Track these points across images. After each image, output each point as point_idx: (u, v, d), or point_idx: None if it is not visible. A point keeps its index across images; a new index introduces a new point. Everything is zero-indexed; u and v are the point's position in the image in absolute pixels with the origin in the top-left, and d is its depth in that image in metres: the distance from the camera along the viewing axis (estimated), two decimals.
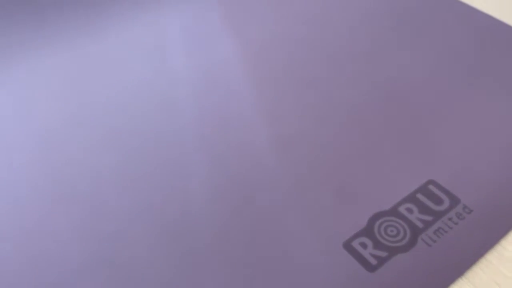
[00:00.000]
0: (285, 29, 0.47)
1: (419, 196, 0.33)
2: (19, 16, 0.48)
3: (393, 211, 0.32)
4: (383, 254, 0.30)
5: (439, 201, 0.32)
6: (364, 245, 0.30)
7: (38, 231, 0.31)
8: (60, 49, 0.46)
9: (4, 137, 0.38)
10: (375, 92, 0.40)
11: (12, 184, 0.34)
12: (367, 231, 0.31)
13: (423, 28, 0.47)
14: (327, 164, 0.35)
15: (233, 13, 0.50)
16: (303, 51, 0.45)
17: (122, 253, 0.30)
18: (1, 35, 0.47)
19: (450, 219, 0.31)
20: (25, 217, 0.32)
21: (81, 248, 0.30)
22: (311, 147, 0.36)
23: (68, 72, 0.44)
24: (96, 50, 0.46)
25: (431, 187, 0.33)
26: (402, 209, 0.32)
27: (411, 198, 0.33)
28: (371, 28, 0.47)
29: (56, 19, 0.49)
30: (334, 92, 0.40)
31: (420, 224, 0.31)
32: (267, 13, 0.50)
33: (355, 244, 0.30)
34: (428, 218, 0.31)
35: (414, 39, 0.45)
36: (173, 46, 0.46)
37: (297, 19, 0.48)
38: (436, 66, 0.43)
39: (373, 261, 0.29)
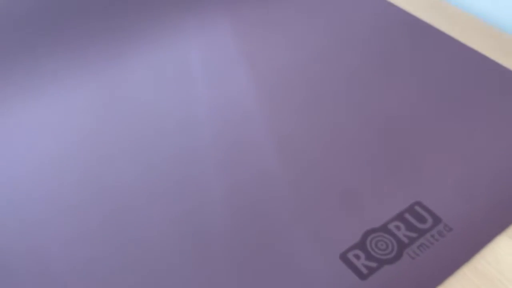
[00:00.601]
0: (294, 59, 0.53)
1: (406, 215, 0.38)
2: (50, 44, 0.54)
3: (383, 228, 0.37)
4: (373, 265, 0.35)
5: (423, 220, 0.37)
6: (357, 257, 0.35)
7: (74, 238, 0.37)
8: (86, 71, 0.52)
9: (37, 151, 0.43)
10: (369, 122, 0.46)
11: (40, 195, 0.40)
12: (361, 244, 0.36)
13: (412, 62, 0.52)
14: (329, 187, 0.40)
15: (247, 42, 0.55)
16: (307, 81, 0.50)
17: (144, 258, 0.35)
18: (34, 63, 0.52)
19: (432, 236, 0.36)
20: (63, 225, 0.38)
21: (109, 253, 0.36)
22: (316, 169, 0.41)
23: (94, 93, 0.49)
24: (119, 74, 0.51)
25: (417, 207, 0.38)
26: (391, 226, 0.37)
27: (399, 217, 0.38)
28: (368, 63, 0.52)
29: (83, 43, 0.55)
30: (333, 121, 0.46)
31: (406, 240, 0.36)
32: (279, 43, 0.55)
33: (350, 255, 0.35)
34: (413, 234, 0.36)
35: (404, 73, 0.51)
36: (191, 72, 0.51)
37: (304, 51, 0.54)
38: (423, 98, 0.48)
39: (365, 271, 0.34)
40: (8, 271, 0.35)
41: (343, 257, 0.35)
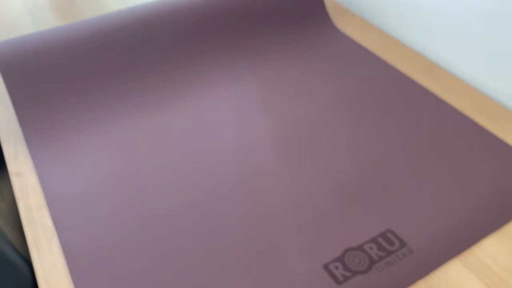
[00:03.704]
0: (305, 110, 0.65)
1: (379, 239, 0.48)
2: (107, 86, 0.68)
3: (360, 247, 0.48)
4: (348, 274, 0.45)
5: (392, 244, 0.48)
6: (336, 267, 0.46)
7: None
8: (137, 111, 0.65)
9: (102, 179, 0.56)
10: (360, 165, 0.57)
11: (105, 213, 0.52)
12: (340, 258, 0.47)
13: (400, 116, 0.63)
14: (321, 214, 0.51)
15: (268, 95, 0.68)
16: (314, 128, 0.62)
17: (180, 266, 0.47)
18: (96, 105, 0.66)
19: (397, 256, 0.47)
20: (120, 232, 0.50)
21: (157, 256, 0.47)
22: (312, 200, 0.52)
23: (143, 131, 0.62)
24: (164, 116, 0.65)
25: (388, 234, 0.49)
26: (366, 246, 0.48)
27: (373, 240, 0.48)
28: (364, 115, 0.64)
29: (138, 89, 0.68)
30: (330, 161, 0.57)
31: (376, 257, 0.47)
32: (293, 97, 0.67)
33: (331, 266, 0.46)
34: (382, 254, 0.47)
35: (392, 125, 0.62)
36: (221, 118, 0.64)
37: (313, 104, 0.66)
38: (402, 145, 0.59)
39: (341, 278, 0.45)
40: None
41: (326, 267, 0.46)
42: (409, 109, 0.65)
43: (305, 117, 0.64)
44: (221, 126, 0.63)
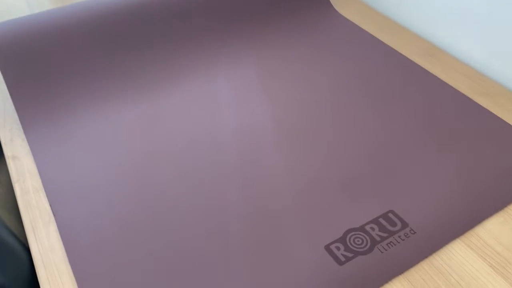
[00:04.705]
0: (304, 94, 0.64)
1: (381, 220, 0.48)
2: (106, 68, 0.67)
3: (361, 228, 0.47)
4: (350, 255, 0.45)
5: (393, 224, 0.47)
6: (338, 248, 0.45)
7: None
8: (137, 98, 0.64)
9: (97, 162, 0.55)
10: (362, 146, 0.56)
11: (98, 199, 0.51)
12: (342, 239, 0.46)
13: (402, 98, 0.62)
14: (321, 196, 0.50)
15: (267, 78, 0.67)
16: (314, 111, 0.61)
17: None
18: (94, 87, 0.65)
19: (399, 236, 0.46)
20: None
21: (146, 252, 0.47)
22: (314, 182, 0.52)
23: (140, 113, 0.61)
24: (165, 102, 0.64)
25: (390, 214, 0.48)
26: (367, 227, 0.47)
27: (375, 221, 0.48)
28: (366, 96, 0.63)
29: (136, 72, 0.67)
30: (330, 143, 0.56)
31: (378, 238, 0.46)
32: (293, 80, 0.66)
33: (332, 247, 0.45)
34: (384, 234, 0.46)
35: (395, 106, 0.61)
36: (220, 102, 0.63)
37: (313, 89, 0.65)
38: (404, 127, 0.58)
39: (342, 258, 0.44)
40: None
41: (327, 248, 0.45)
42: (410, 92, 0.64)
43: (305, 100, 0.63)
44: (220, 110, 0.62)
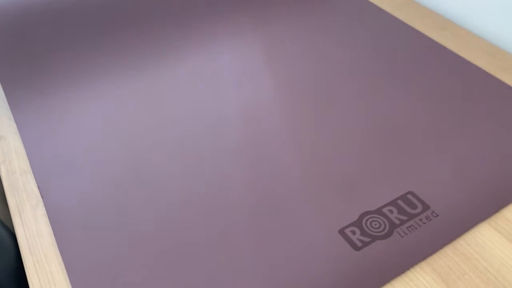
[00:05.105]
0: (312, 67, 0.60)
1: (400, 202, 0.44)
2: (106, 43, 0.63)
3: (378, 211, 0.43)
4: (367, 239, 0.41)
5: (414, 207, 0.43)
6: (353, 232, 0.41)
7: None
8: (132, 74, 0.60)
9: (98, 138, 0.51)
10: (375, 124, 0.52)
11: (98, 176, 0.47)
12: (357, 223, 0.42)
13: (418, 74, 0.58)
14: (334, 176, 0.46)
15: (272, 52, 0.62)
16: (323, 85, 0.57)
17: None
18: (86, 64, 0.61)
19: (420, 219, 0.42)
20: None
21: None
22: (324, 161, 0.48)
23: (139, 95, 0.57)
24: (163, 72, 0.59)
25: (409, 196, 0.44)
26: (385, 210, 0.43)
27: (393, 203, 0.44)
28: (378, 73, 0.59)
29: (131, 46, 0.63)
30: (342, 121, 0.52)
31: (397, 221, 0.42)
32: (298, 54, 0.62)
33: (347, 231, 0.41)
34: (403, 217, 0.42)
35: (410, 82, 0.57)
36: (222, 75, 0.59)
37: (321, 61, 0.61)
38: (424, 105, 0.54)
39: (359, 244, 0.40)
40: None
41: (342, 232, 0.41)
42: (426, 67, 0.60)
43: (313, 76, 0.59)
44: (223, 86, 0.58)
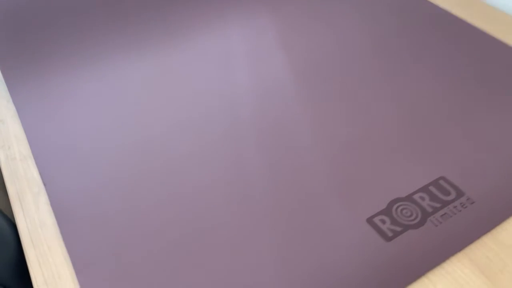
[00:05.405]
0: (329, 47, 0.56)
1: (431, 188, 0.40)
2: (113, 21, 0.59)
3: (409, 198, 0.40)
4: (398, 228, 0.37)
5: (447, 193, 0.40)
6: (383, 221, 0.38)
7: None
8: (137, 54, 0.56)
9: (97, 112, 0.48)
10: (401, 106, 0.48)
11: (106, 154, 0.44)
12: (386, 211, 0.39)
13: (442, 53, 0.54)
14: (359, 161, 0.43)
15: (286, 31, 0.59)
16: (341, 68, 0.53)
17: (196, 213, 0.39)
18: (88, 43, 0.57)
19: (455, 207, 0.39)
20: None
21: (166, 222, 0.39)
22: (348, 145, 0.44)
23: (145, 76, 0.53)
24: (169, 58, 0.56)
25: (441, 182, 0.41)
26: (416, 197, 0.40)
27: (424, 189, 0.40)
28: (400, 53, 0.55)
29: (142, 22, 0.59)
30: (365, 104, 0.49)
31: (429, 209, 0.39)
32: (315, 33, 0.58)
33: (376, 220, 0.38)
34: (436, 205, 0.39)
35: (435, 62, 0.53)
36: (234, 55, 0.55)
37: (341, 41, 0.57)
38: (453, 85, 0.50)
39: (390, 233, 0.37)
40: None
41: (370, 221, 0.38)
42: (451, 45, 0.56)
43: (330, 55, 0.55)
44: (234, 66, 0.54)
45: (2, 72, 0.53)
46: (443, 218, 0.38)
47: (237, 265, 0.35)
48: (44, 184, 0.42)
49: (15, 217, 0.40)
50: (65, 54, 0.55)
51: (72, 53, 0.55)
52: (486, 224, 0.38)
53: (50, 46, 0.56)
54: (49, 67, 0.54)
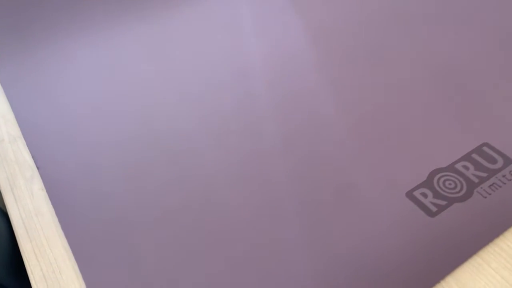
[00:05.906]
0: (350, 13, 0.51)
1: (475, 156, 0.36)
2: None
3: (451, 168, 0.35)
4: (442, 202, 0.33)
5: (493, 161, 0.35)
6: (424, 195, 0.33)
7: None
8: (136, 21, 0.51)
9: (92, 86, 0.43)
10: (436, 69, 0.43)
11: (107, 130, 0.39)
12: (427, 183, 0.34)
13: (480, 13, 0.50)
14: (390, 129, 0.38)
15: None
16: (369, 36, 0.48)
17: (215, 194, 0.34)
18: (83, 9, 0.52)
19: (504, 176, 0.34)
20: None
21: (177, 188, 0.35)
22: (378, 113, 0.40)
23: (146, 45, 0.48)
24: (172, 26, 0.50)
25: (485, 148, 0.36)
26: (459, 166, 0.35)
27: (467, 157, 0.36)
28: (433, 15, 0.50)
29: None
30: (395, 70, 0.44)
31: (475, 179, 0.34)
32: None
33: (417, 194, 0.34)
34: (483, 174, 0.34)
35: (470, 24, 0.48)
36: (241, 23, 0.50)
37: (360, 3, 0.52)
38: (487, 44, 0.45)
39: (433, 208, 0.33)
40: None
41: (410, 196, 0.34)
42: (484, 3, 0.51)
43: (350, 20, 0.50)
44: (242, 33, 0.49)
45: None
46: (491, 189, 0.34)
47: (265, 246, 0.31)
48: (38, 168, 0.37)
49: (6, 206, 0.36)
50: (53, 21, 0.50)
51: (61, 20, 0.50)
52: None
53: (35, 13, 0.50)
54: (37, 36, 0.48)
